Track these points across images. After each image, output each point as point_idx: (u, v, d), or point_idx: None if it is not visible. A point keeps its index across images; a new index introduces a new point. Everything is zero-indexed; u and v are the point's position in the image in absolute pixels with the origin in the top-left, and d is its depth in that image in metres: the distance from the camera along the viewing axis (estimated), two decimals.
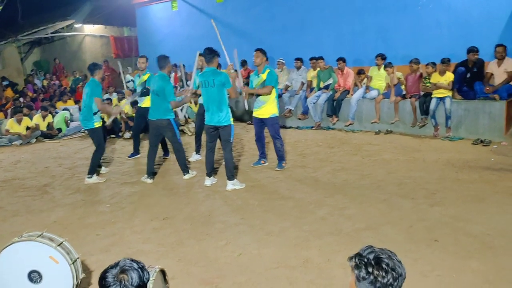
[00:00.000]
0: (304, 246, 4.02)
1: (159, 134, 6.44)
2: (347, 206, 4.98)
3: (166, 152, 7.72)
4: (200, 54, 6.99)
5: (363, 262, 1.73)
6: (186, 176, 6.43)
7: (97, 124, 6.47)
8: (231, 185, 5.79)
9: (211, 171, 6.10)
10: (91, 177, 6.48)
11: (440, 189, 5.39)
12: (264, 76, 6.37)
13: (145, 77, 7.53)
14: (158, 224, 4.77)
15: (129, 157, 7.98)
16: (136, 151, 8.02)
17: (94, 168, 6.56)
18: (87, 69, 6.70)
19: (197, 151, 7.59)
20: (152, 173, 6.46)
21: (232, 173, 5.83)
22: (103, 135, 6.82)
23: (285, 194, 5.57)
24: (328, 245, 4.02)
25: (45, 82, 15.93)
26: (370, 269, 1.71)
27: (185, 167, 6.44)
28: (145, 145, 7.26)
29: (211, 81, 5.62)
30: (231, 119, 5.79)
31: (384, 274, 1.69)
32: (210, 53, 5.69)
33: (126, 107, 10.24)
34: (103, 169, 7.06)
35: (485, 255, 3.70)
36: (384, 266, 1.71)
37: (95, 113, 6.40)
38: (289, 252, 3.92)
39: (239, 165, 7.06)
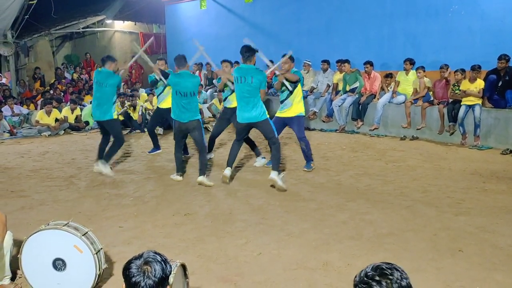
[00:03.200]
0: (324, 249, 4.00)
1: (186, 136, 6.41)
2: (369, 211, 4.93)
3: (185, 151, 7.74)
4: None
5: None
6: (200, 178, 6.09)
7: (115, 114, 6.62)
8: (274, 175, 5.69)
9: (232, 163, 6.11)
10: (106, 166, 6.56)
11: (466, 198, 5.28)
12: None
13: None
14: (180, 219, 4.81)
15: (149, 152, 8.05)
16: (156, 146, 8.07)
17: (111, 157, 6.71)
18: (100, 60, 6.73)
19: (209, 150, 7.58)
20: (181, 170, 6.46)
21: (278, 166, 5.82)
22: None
23: (306, 196, 5.55)
24: (349, 249, 3.99)
25: (75, 75, 16.25)
26: None
27: (204, 168, 6.33)
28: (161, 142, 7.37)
29: (249, 78, 5.61)
30: (267, 114, 5.79)
31: None
32: (248, 51, 5.71)
33: (148, 105, 10.38)
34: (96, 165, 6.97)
35: (511, 267, 3.60)
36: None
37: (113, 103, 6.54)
38: (309, 254, 3.91)
39: (253, 165, 7.06)
